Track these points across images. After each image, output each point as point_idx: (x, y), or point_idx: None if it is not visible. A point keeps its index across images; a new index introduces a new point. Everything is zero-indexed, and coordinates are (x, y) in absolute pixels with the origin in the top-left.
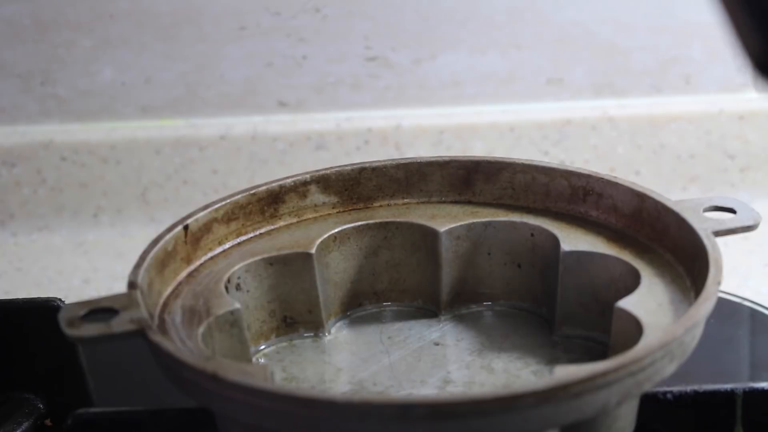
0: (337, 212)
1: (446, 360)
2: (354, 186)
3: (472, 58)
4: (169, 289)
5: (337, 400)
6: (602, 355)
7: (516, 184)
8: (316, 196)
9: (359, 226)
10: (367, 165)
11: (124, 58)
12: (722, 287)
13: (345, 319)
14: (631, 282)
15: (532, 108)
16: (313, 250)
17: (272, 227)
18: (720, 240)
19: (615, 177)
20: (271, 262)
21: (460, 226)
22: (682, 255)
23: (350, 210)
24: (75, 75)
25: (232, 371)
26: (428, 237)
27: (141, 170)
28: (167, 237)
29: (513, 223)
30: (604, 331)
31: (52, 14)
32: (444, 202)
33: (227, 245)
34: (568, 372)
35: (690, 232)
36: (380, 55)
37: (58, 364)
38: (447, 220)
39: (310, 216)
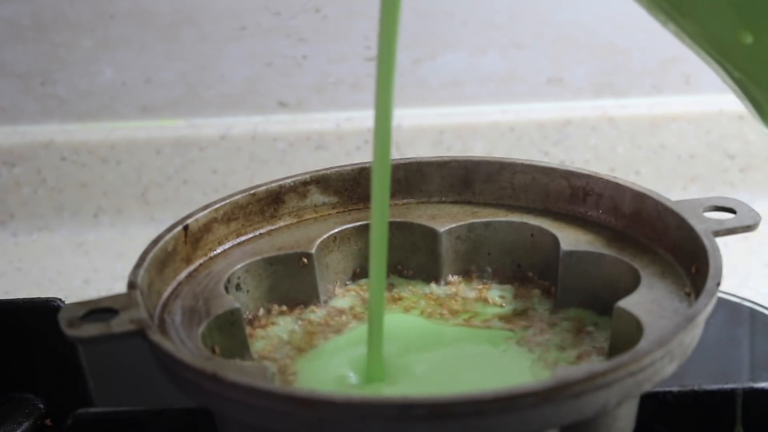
0: (337, 212)
1: None
2: (354, 186)
3: (472, 58)
4: (169, 289)
5: (336, 400)
6: None
7: (516, 184)
8: (316, 196)
9: (359, 226)
10: (367, 165)
11: (124, 58)
12: (722, 287)
13: None
14: (631, 282)
15: (532, 108)
16: (313, 250)
17: (272, 227)
18: (720, 240)
19: (615, 177)
20: (271, 262)
21: (460, 226)
22: (682, 255)
23: (350, 210)
24: (75, 75)
25: (232, 371)
26: (428, 237)
27: (141, 170)
28: (167, 237)
29: (513, 223)
30: None
31: (52, 14)
32: (444, 202)
33: (227, 245)
34: (568, 372)
35: (690, 232)
36: None
37: (58, 364)
38: (447, 220)
39: (310, 216)
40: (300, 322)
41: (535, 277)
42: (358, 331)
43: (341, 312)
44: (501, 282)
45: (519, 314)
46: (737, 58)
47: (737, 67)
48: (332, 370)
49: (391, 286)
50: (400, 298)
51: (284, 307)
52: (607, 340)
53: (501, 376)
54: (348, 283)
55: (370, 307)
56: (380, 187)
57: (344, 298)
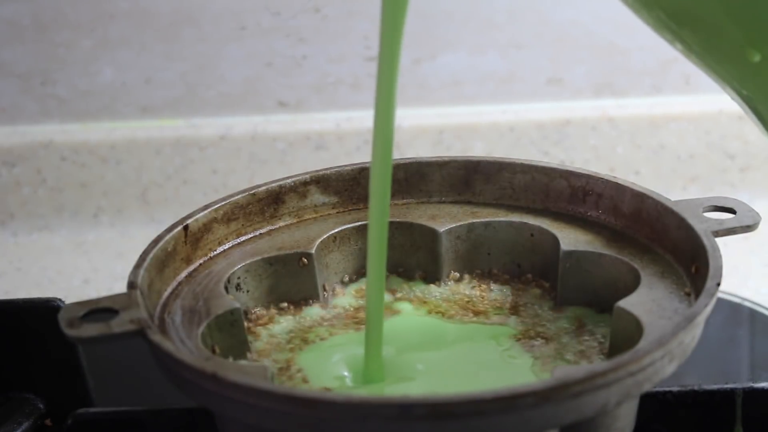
0: (337, 212)
1: None
2: (354, 186)
3: (472, 58)
4: (169, 289)
5: (336, 400)
6: None
7: (516, 184)
8: (316, 197)
9: (359, 226)
10: (367, 165)
11: (124, 58)
12: (722, 287)
13: None
14: (631, 282)
15: (532, 108)
16: (313, 250)
17: (272, 227)
18: (720, 240)
19: (615, 177)
20: (271, 262)
21: (460, 226)
22: (681, 255)
23: (350, 210)
24: (75, 75)
25: (232, 371)
26: (428, 237)
27: (141, 170)
28: (167, 237)
29: (513, 223)
30: None
31: (52, 14)
32: (444, 202)
33: (227, 245)
34: (568, 372)
35: (690, 232)
36: None
37: (58, 364)
38: (447, 220)
39: (310, 216)
40: (301, 319)
41: (535, 276)
42: (360, 328)
43: (343, 310)
44: (501, 281)
45: (519, 313)
46: (745, 76)
47: (745, 85)
48: (333, 369)
49: (391, 286)
50: (400, 298)
51: (285, 304)
52: (607, 337)
53: (502, 375)
54: (348, 282)
55: (368, 307)
56: (380, 185)
57: (345, 296)
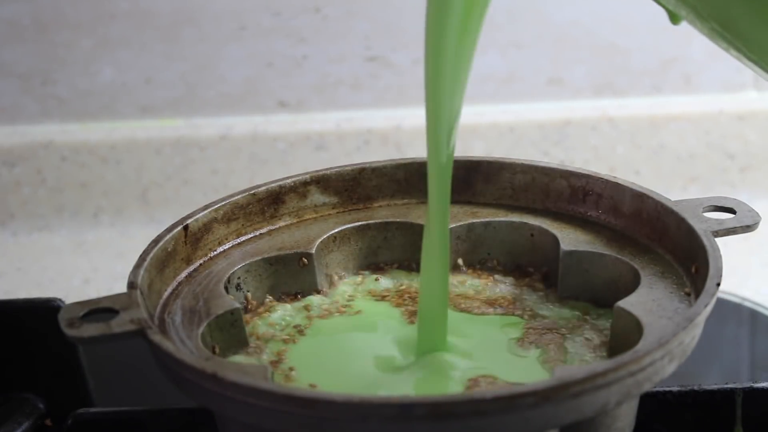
0: (337, 212)
1: None
2: (354, 186)
3: None
4: (169, 289)
5: (336, 400)
6: None
7: (516, 185)
8: (316, 197)
9: (359, 226)
10: (367, 165)
11: (124, 58)
12: (722, 287)
13: None
14: (631, 282)
15: (532, 108)
16: (313, 250)
17: (272, 227)
18: (720, 240)
19: (615, 177)
20: (271, 262)
21: (460, 226)
22: (681, 255)
23: (350, 210)
24: (75, 75)
25: (232, 371)
26: None
27: (141, 170)
28: (167, 237)
29: (513, 223)
30: None
31: (52, 14)
32: None
33: (227, 245)
34: (568, 372)
35: (690, 232)
36: (380, 55)
37: (58, 364)
38: None
39: (310, 216)
40: (305, 311)
41: (535, 275)
42: (363, 317)
43: (346, 299)
44: (502, 280)
45: (521, 307)
46: None
47: None
48: (373, 351)
49: (392, 278)
50: (403, 289)
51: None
52: (608, 330)
53: (515, 366)
54: (347, 276)
55: (426, 280)
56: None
57: (345, 287)
